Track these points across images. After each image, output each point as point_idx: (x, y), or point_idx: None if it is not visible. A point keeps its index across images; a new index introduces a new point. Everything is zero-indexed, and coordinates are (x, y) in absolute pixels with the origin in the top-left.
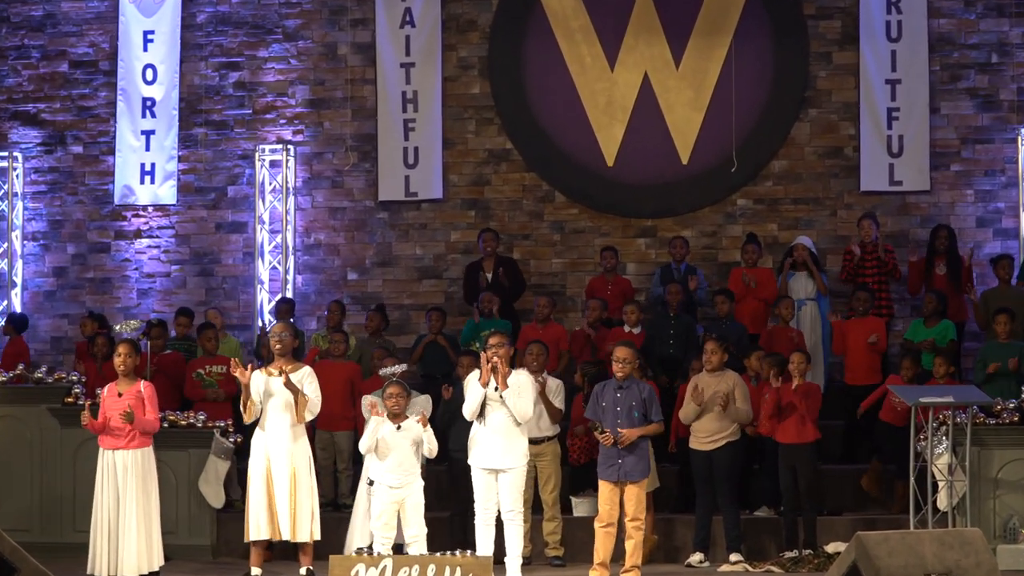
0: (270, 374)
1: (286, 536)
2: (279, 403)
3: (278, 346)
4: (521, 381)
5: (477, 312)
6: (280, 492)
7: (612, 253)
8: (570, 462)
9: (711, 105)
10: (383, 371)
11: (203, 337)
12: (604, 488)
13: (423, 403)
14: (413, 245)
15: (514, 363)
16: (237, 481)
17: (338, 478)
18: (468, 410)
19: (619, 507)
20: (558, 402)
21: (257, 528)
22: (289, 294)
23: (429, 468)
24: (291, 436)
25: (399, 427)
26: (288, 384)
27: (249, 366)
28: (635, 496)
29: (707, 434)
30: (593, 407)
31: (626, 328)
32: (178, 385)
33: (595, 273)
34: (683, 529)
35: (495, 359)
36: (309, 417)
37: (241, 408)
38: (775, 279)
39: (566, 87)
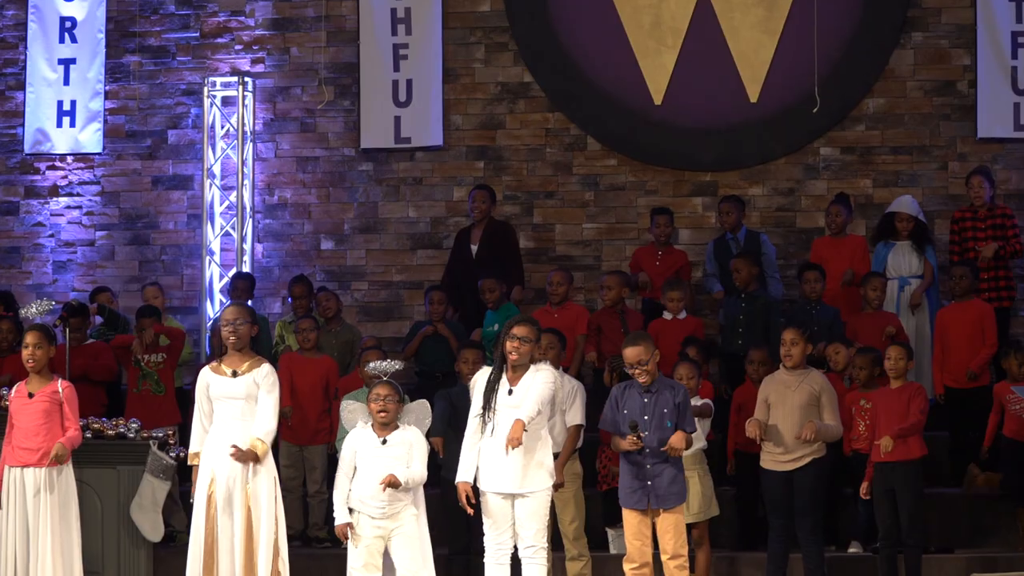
0: (221, 373)
1: None
2: (233, 409)
3: (231, 337)
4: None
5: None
6: (227, 523)
7: (667, 217)
8: (601, 487)
9: (787, 27)
10: (369, 366)
11: (142, 326)
12: (630, 520)
13: (418, 410)
14: (405, 206)
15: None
16: (181, 506)
17: (309, 504)
18: (471, 423)
19: (653, 542)
20: (574, 412)
21: (194, 570)
22: (247, 268)
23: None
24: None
25: (385, 440)
26: (238, 455)
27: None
28: (672, 527)
29: (785, 450)
30: (611, 415)
31: (667, 315)
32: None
33: (639, 242)
34: (751, 571)
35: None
36: (270, 441)
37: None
38: (868, 252)
39: (601, 3)
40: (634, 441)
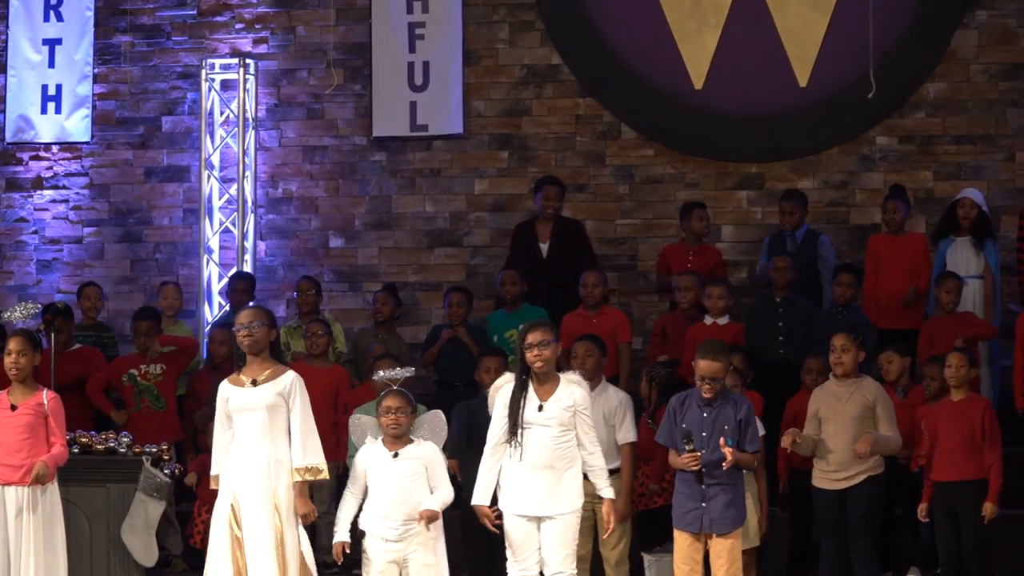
0: (240, 383)
1: None
2: (253, 422)
3: (247, 340)
4: (576, 395)
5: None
6: (257, 552)
7: (702, 211)
8: (638, 506)
9: (840, 4)
10: (378, 375)
11: (138, 331)
12: (682, 542)
13: (432, 421)
14: (422, 200)
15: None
16: (177, 528)
17: (316, 525)
18: (491, 439)
19: (703, 568)
20: (626, 429)
21: None
22: (248, 267)
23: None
24: (272, 469)
25: (396, 455)
26: (302, 508)
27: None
28: (726, 553)
29: (838, 467)
30: (668, 429)
31: (708, 319)
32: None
33: (678, 240)
34: None
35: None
36: (323, 463)
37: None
38: (929, 251)
39: None
40: (692, 455)
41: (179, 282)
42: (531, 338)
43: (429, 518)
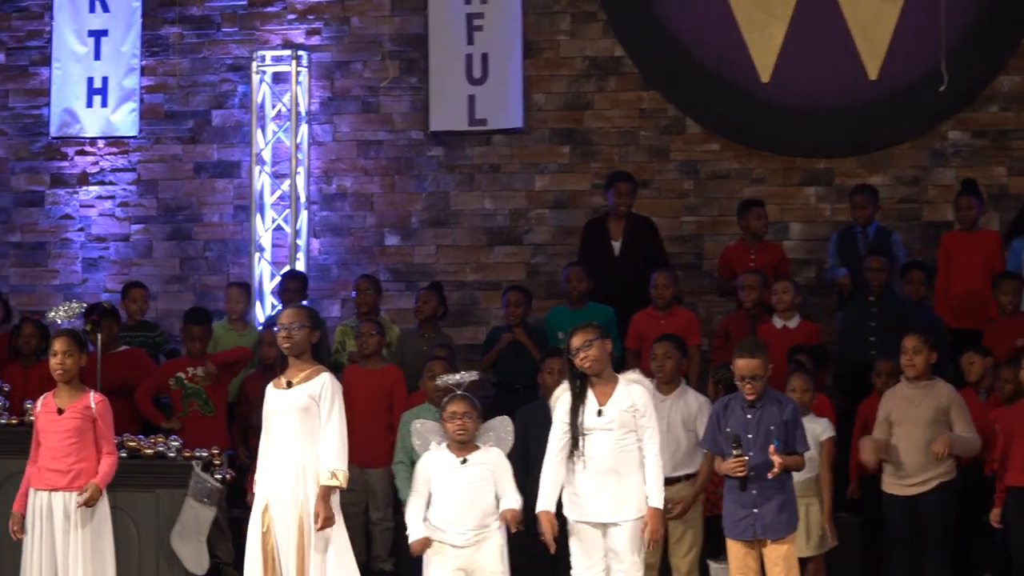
0: (279, 385)
1: None
2: (287, 424)
3: (285, 343)
4: (635, 395)
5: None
6: (285, 559)
7: (759, 209)
8: (704, 513)
9: None
10: (442, 379)
11: (185, 334)
12: (736, 552)
13: (499, 427)
14: (480, 196)
15: (620, 365)
16: (228, 535)
17: (371, 533)
18: (553, 446)
19: None
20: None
21: None
22: (301, 266)
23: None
24: (300, 474)
25: (464, 460)
26: (320, 512)
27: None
28: (782, 560)
29: (909, 471)
30: (712, 434)
31: (777, 321)
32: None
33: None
34: None
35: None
36: (345, 466)
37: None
38: (1003, 250)
39: None
40: (738, 460)
41: (227, 279)
42: (574, 343)
43: (514, 518)
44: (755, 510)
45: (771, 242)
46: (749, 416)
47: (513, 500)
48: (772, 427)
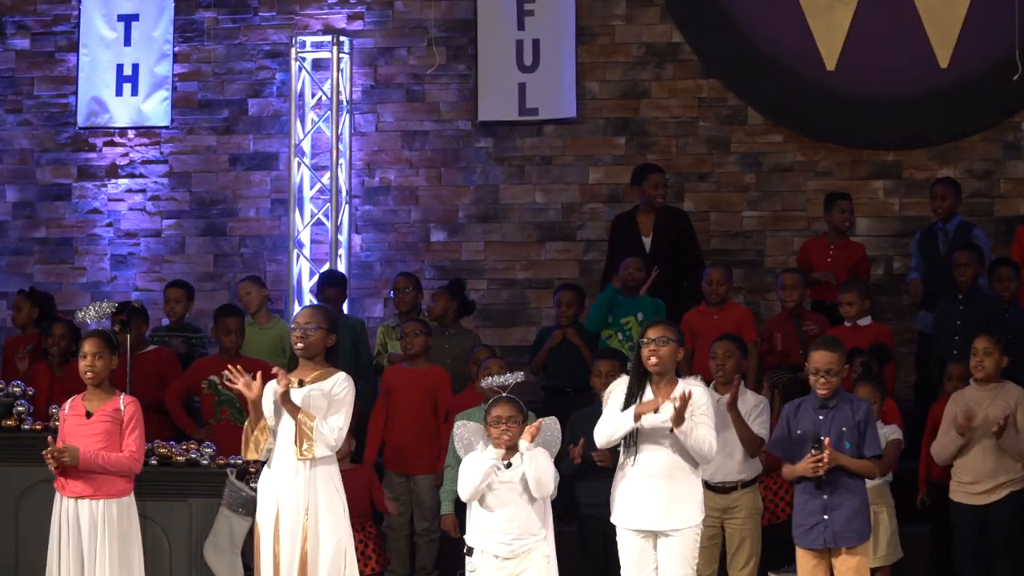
0: (289, 384)
1: None
2: (293, 425)
3: (299, 343)
4: (694, 395)
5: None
6: (287, 560)
7: (844, 203)
8: (763, 522)
9: None
10: (487, 381)
11: (220, 328)
12: (805, 562)
13: (548, 429)
14: (531, 190)
15: (680, 370)
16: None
17: (416, 543)
18: (600, 439)
19: None
20: (758, 426)
21: None
22: (341, 265)
23: (554, 528)
24: (306, 475)
25: (510, 464)
26: (284, 401)
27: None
28: (853, 570)
29: (977, 479)
30: (782, 436)
31: (848, 323)
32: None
33: (809, 233)
34: None
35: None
36: (320, 452)
37: (242, 442)
38: None
39: None
40: (817, 458)
41: (264, 277)
42: (651, 333)
43: (534, 464)
44: (825, 517)
45: (854, 241)
46: (821, 417)
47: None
48: (844, 428)
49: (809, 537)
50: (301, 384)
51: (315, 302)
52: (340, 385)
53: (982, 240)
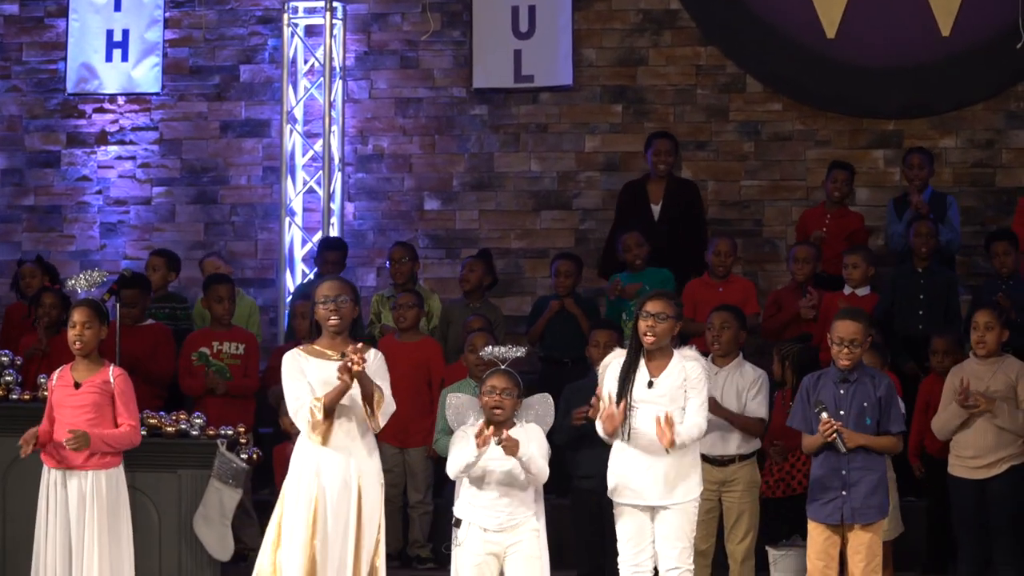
0: (322, 356)
1: None
2: (344, 399)
3: (333, 318)
4: (689, 370)
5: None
6: (337, 541)
7: (845, 173)
8: (762, 496)
9: None
10: (487, 351)
11: (211, 296)
12: (817, 536)
13: (540, 405)
14: (527, 158)
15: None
16: (255, 519)
17: (410, 516)
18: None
19: (839, 564)
20: (757, 404)
21: None
22: (335, 231)
23: (547, 501)
24: (363, 451)
25: (500, 440)
26: (361, 377)
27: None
28: (866, 547)
29: (977, 453)
30: (802, 411)
31: (847, 289)
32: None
33: (809, 203)
34: None
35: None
36: (383, 423)
37: (307, 422)
38: None
39: None
40: (827, 422)
41: (255, 246)
42: (650, 307)
43: (505, 439)
44: (844, 492)
45: (853, 210)
46: (842, 391)
47: (535, 458)
48: (865, 404)
49: (825, 511)
50: (343, 357)
51: (308, 269)
52: (379, 362)
53: (954, 208)
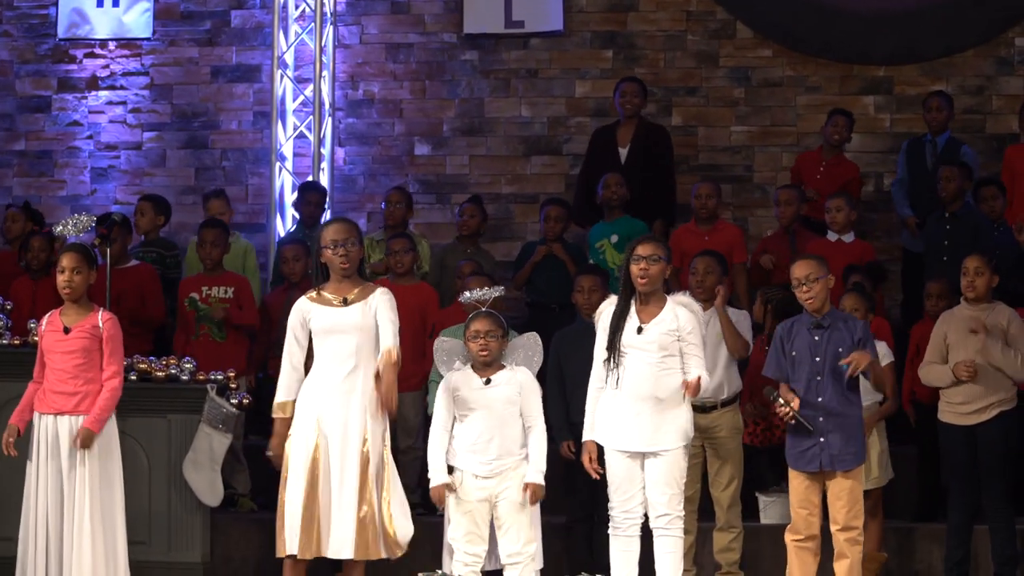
0: (326, 302)
1: (340, 553)
2: (345, 345)
3: (345, 262)
4: (681, 318)
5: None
6: (339, 486)
7: (846, 119)
8: (746, 443)
9: None
10: (465, 295)
11: (204, 240)
12: (797, 483)
13: (527, 345)
14: (517, 103)
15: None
16: (245, 464)
17: (401, 461)
18: (597, 369)
19: (821, 511)
20: (741, 330)
21: (292, 539)
22: (324, 178)
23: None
24: (367, 398)
25: (488, 381)
26: (386, 365)
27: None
28: (847, 493)
29: (967, 399)
30: (776, 360)
31: (832, 236)
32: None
33: (799, 148)
34: (928, 545)
35: None
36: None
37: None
38: None
39: None
40: (784, 410)
41: (246, 191)
42: (641, 250)
43: (535, 493)
44: (821, 439)
45: (849, 160)
46: (816, 338)
47: (539, 451)
48: (841, 349)
49: (804, 459)
50: (346, 302)
51: (297, 214)
52: (384, 297)
53: (970, 157)
